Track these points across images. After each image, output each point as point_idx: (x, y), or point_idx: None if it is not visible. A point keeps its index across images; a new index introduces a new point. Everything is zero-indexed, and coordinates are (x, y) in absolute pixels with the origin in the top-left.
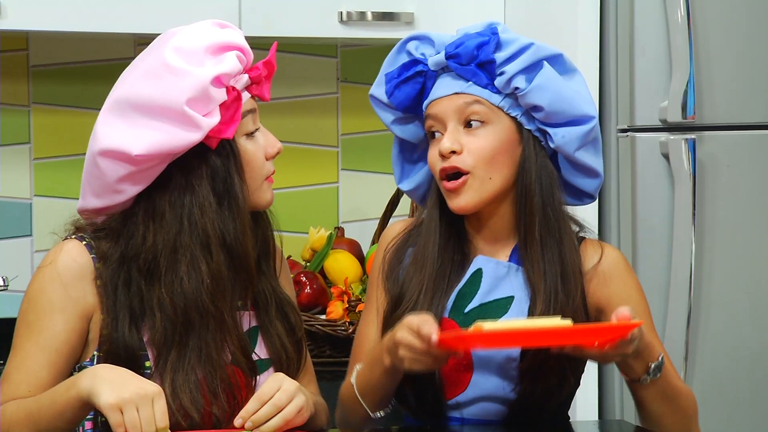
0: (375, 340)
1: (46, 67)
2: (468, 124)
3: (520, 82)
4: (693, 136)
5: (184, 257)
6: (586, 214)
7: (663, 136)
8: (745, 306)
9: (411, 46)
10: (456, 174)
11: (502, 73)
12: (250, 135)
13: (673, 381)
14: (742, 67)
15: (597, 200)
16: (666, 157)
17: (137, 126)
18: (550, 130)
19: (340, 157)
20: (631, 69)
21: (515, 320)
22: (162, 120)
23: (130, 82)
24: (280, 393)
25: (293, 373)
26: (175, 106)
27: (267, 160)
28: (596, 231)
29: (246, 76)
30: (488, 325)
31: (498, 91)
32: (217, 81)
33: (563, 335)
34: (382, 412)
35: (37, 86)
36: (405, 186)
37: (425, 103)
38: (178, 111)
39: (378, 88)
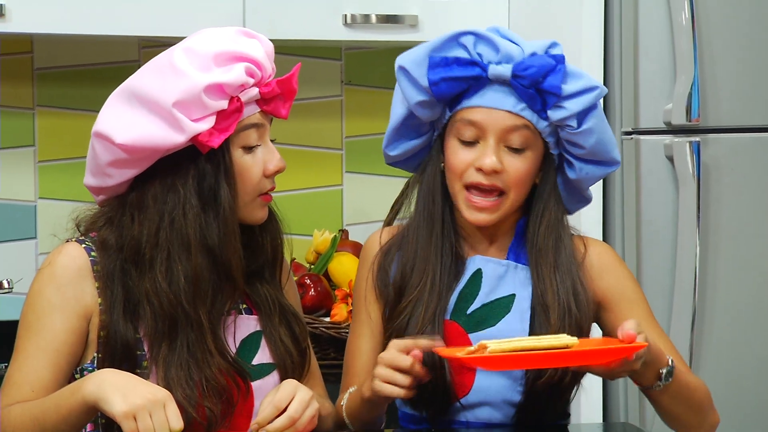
0: (367, 352)
1: (50, 69)
2: (509, 144)
3: (573, 120)
4: (697, 139)
5: (162, 254)
6: (590, 216)
7: (667, 138)
8: (750, 309)
9: (467, 41)
10: (489, 190)
11: (560, 107)
12: (249, 149)
13: (685, 379)
14: (747, 69)
15: (601, 202)
16: (670, 159)
17: (132, 115)
18: (576, 163)
19: (344, 159)
20: (635, 71)
21: (521, 339)
22: (152, 115)
23: (141, 71)
24: (295, 403)
25: (298, 377)
26: (163, 104)
27: (266, 177)
28: (601, 233)
29: (256, 90)
30: (493, 345)
31: (546, 117)
32: (217, 89)
33: (568, 357)
34: None
35: (41, 89)
36: (391, 151)
37: (466, 103)
38: (166, 109)
39: (416, 67)
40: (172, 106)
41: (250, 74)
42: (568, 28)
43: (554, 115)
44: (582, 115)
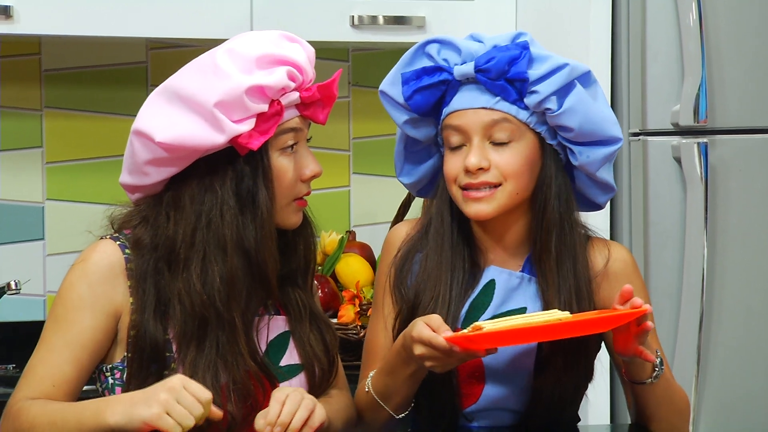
0: (385, 345)
1: (58, 71)
2: (493, 139)
3: (551, 103)
4: (705, 140)
5: (198, 254)
6: (598, 218)
7: (675, 139)
8: (758, 310)
9: (432, 49)
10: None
11: (533, 92)
12: (286, 153)
13: (670, 378)
14: (754, 70)
15: (609, 203)
16: (678, 161)
17: (172, 114)
18: (574, 148)
19: (351, 160)
20: (643, 72)
21: (514, 317)
22: (193, 114)
23: (183, 71)
24: (294, 393)
25: (324, 383)
26: (205, 104)
27: (302, 181)
28: (608, 235)
29: (296, 94)
30: (488, 325)
31: (525, 107)
32: (258, 91)
33: (572, 328)
34: (404, 413)
35: (49, 90)
36: (405, 179)
37: (446, 111)
38: (207, 110)
39: (392, 87)
40: (213, 106)
41: (292, 78)
42: (576, 30)
43: (530, 101)
44: (558, 96)
